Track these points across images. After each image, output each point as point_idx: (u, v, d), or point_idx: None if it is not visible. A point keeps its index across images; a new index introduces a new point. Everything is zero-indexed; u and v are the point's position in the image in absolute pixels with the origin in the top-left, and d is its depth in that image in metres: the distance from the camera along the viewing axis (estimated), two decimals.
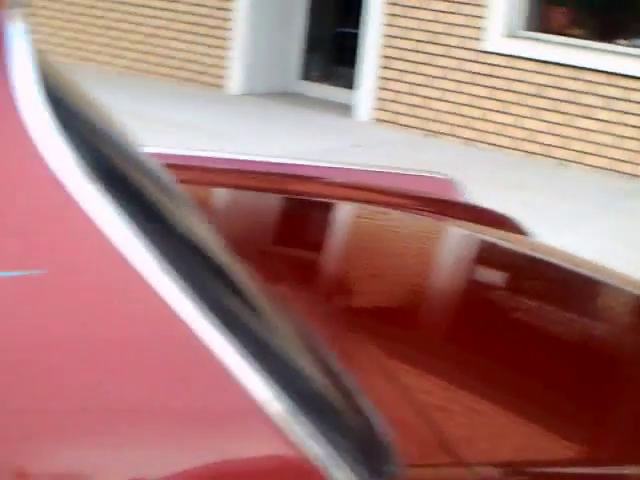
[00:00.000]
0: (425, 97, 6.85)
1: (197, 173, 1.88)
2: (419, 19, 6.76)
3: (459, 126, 6.72)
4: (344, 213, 2.17)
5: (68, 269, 0.75)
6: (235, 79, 7.73)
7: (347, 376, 1.07)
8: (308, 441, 0.82)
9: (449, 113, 6.76)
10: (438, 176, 2.32)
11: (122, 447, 0.76)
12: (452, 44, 6.68)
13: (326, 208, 2.15)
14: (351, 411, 1.00)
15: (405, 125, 6.92)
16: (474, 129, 6.67)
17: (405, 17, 6.82)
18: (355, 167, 2.37)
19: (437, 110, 6.80)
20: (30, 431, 0.73)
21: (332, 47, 8.08)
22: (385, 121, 6.99)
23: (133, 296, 0.77)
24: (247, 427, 0.81)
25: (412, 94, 6.89)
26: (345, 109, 7.28)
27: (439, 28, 6.71)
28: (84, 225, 0.75)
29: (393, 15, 6.85)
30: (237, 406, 0.80)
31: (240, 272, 1.00)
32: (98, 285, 0.76)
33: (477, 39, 6.58)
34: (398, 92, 6.95)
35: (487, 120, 6.61)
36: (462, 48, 6.64)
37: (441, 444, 1.07)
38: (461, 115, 6.71)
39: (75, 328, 0.75)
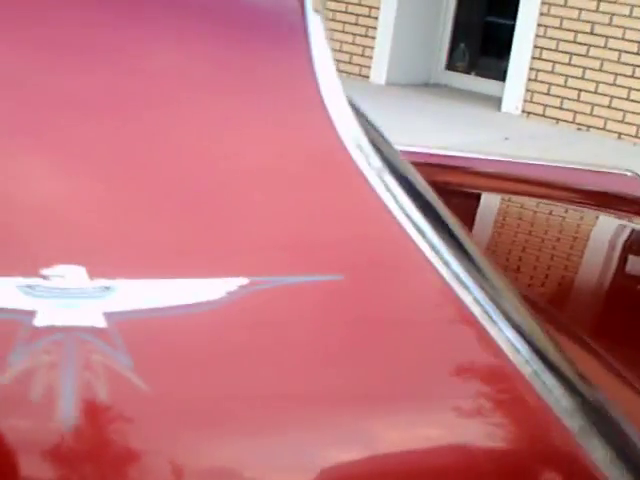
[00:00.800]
0: (579, 90, 6.62)
1: None
2: (578, 8, 6.54)
3: (614, 120, 6.48)
4: (528, 210, 2.10)
5: (367, 272, 0.68)
6: (380, 69, 7.65)
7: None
8: (589, 440, 0.76)
9: (604, 107, 6.53)
10: (625, 172, 2.23)
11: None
12: (612, 35, 6.43)
13: (511, 203, 2.10)
14: (606, 411, 0.92)
15: (556, 118, 6.71)
16: (630, 123, 6.41)
17: (563, 7, 6.60)
18: (535, 162, 2.30)
19: (591, 103, 6.58)
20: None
21: (479, 37, 7.91)
22: (535, 114, 6.80)
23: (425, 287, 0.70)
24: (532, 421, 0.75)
25: (565, 86, 6.68)
26: (492, 101, 7.11)
27: (598, 18, 6.47)
28: (386, 223, 0.69)
29: (550, 4, 6.64)
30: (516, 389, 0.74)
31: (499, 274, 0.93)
32: (395, 284, 0.70)
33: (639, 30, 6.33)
34: (550, 84, 6.74)
35: None
36: (622, 39, 6.39)
37: None
38: (616, 109, 6.47)
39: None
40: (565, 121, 6.67)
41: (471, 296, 0.72)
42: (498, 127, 6.48)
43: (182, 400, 0.65)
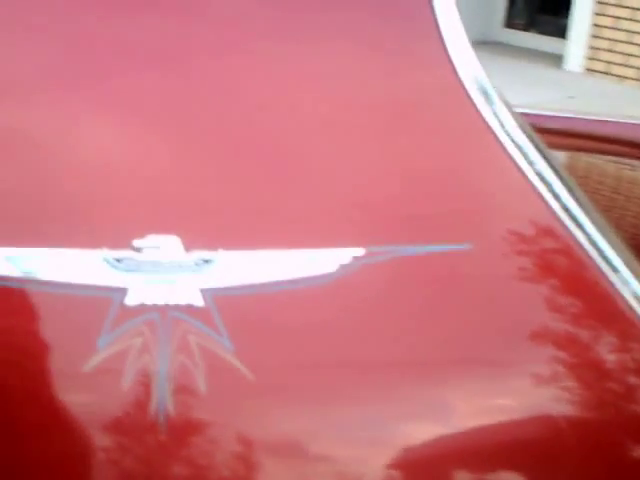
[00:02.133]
0: None
1: None
2: None
3: None
4: (584, 164, 2.02)
5: (496, 243, 0.60)
6: None
7: None
8: None
9: None
10: None
11: None
12: None
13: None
14: None
15: (620, 76, 6.51)
16: None
17: None
18: (591, 117, 2.21)
19: None
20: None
21: None
22: (598, 71, 6.61)
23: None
24: None
25: (629, 43, 6.46)
26: (553, 59, 6.93)
27: None
28: (518, 183, 0.60)
29: None
30: None
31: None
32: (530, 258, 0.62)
33: None
34: (613, 41, 6.53)
35: None
36: None
37: None
38: None
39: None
40: (630, 78, 6.46)
41: (601, 257, 0.65)
42: (561, 86, 6.30)
43: (288, 389, 0.57)
